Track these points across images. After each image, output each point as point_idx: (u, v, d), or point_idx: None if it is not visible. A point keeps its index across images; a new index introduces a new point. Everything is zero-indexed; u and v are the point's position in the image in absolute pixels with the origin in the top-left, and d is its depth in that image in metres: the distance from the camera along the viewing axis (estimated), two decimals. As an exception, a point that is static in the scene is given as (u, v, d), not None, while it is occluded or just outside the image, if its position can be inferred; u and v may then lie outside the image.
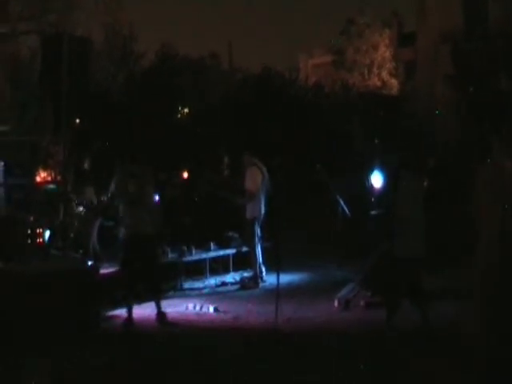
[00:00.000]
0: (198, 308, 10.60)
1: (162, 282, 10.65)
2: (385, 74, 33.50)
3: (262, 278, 12.58)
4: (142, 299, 10.45)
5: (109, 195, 10.30)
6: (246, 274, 13.00)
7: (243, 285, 12.50)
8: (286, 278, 12.78)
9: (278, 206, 12.78)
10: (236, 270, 13.67)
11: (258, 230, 12.52)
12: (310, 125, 21.79)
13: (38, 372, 7.16)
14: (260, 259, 12.54)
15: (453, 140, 22.59)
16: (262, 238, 12.69)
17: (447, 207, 13.44)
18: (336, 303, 10.60)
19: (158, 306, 9.99)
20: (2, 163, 12.83)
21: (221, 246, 13.75)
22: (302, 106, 23.35)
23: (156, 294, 10.12)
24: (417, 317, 8.68)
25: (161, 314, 9.96)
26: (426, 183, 9.03)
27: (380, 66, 33.61)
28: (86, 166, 14.04)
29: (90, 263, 10.87)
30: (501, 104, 19.77)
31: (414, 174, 8.93)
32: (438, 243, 11.17)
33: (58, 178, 12.85)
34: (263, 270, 12.64)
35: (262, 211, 12.53)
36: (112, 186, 10.05)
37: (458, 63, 25.91)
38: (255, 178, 12.35)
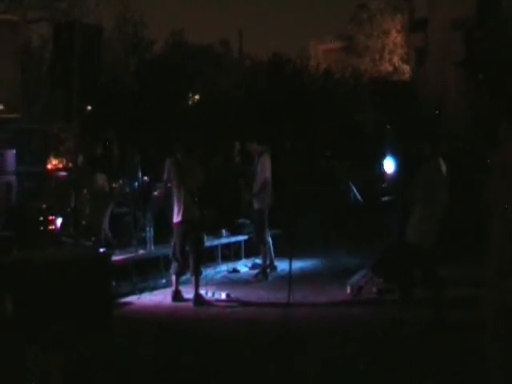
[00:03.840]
0: (210, 294, 10.63)
1: (201, 265, 10.82)
2: (396, 60, 33.37)
3: (274, 267, 12.49)
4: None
5: (164, 181, 10.71)
6: (257, 261, 12.98)
7: (256, 278, 12.38)
8: (298, 265, 12.80)
9: (291, 193, 12.78)
10: (247, 256, 13.67)
11: (267, 220, 12.38)
12: (321, 111, 21.73)
13: (50, 358, 7.19)
14: (272, 248, 12.44)
15: (464, 126, 22.54)
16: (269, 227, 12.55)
17: (460, 194, 13.41)
18: (348, 289, 10.60)
19: (196, 288, 10.33)
20: (14, 151, 12.85)
21: (232, 233, 13.76)
22: (313, 92, 23.29)
23: (195, 274, 10.39)
24: (430, 304, 8.68)
25: (197, 296, 10.28)
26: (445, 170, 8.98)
27: (391, 52, 33.48)
28: (97, 153, 13.98)
29: (101, 250, 10.91)
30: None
31: (439, 161, 8.91)
32: (452, 230, 11.16)
33: (69, 165, 12.84)
34: (273, 258, 12.51)
35: (270, 201, 12.38)
36: (165, 174, 10.56)
37: (470, 50, 25.83)
38: (268, 167, 12.24)
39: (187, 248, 10.47)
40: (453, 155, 16.38)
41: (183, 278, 10.83)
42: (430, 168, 8.81)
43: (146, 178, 12.98)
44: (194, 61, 24.94)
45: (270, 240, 12.43)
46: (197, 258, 10.43)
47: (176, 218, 10.42)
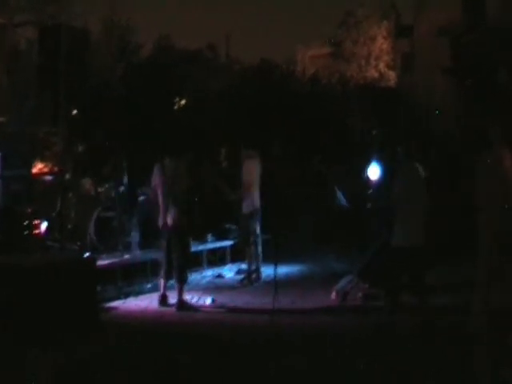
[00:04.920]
0: (195, 300, 10.60)
1: (186, 270, 10.71)
2: (382, 66, 33.44)
3: (259, 276, 12.43)
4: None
5: (152, 186, 10.66)
6: (243, 266, 12.96)
7: (241, 284, 12.40)
8: (284, 270, 12.77)
9: (277, 198, 12.77)
10: (233, 261, 13.66)
11: (255, 225, 12.37)
12: (309, 116, 21.75)
13: (37, 364, 7.16)
14: (260, 255, 12.42)
15: (452, 131, 22.61)
16: (261, 233, 12.52)
17: (449, 196, 13.46)
18: (334, 295, 10.60)
19: (179, 294, 10.27)
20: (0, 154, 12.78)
21: (218, 238, 13.74)
22: (300, 97, 23.31)
23: (179, 282, 10.29)
24: (417, 309, 8.69)
25: (180, 302, 10.21)
26: (425, 173, 9.07)
27: (377, 58, 33.55)
28: (84, 157, 13.99)
29: (87, 255, 10.89)
30: (499, 96, 19.79)
31: (413, 163, 8.98)
32: (440, 233, 11.18)
33: (55, 169, 12.83)
34: (260, 265, 12.48)
35: (259, 205, 12.36)
36: (152, 180, 10.56)
37: (456, 55, 25.91)
38: (251, 171, 12.24)
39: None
40: (451, 156, 16.48)
41: (171, 282, 10.82)
42: (404, 170, 8.92)
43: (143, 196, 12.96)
44: (182, 65, 24.91)
45: (259, 248, 12.38)
46: (179, 265, 10.36)
47: (160, 222, 10.43)
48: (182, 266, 10.39)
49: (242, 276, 12.57)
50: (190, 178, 10.62)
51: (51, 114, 10.58)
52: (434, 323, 8.48)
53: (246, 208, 12.22)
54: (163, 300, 10.42)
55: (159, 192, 10.39)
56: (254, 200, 12.18)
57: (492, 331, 5.57)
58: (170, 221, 10.29)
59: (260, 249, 12.31)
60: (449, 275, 11.43)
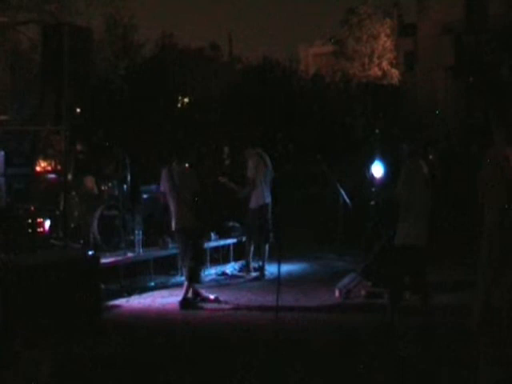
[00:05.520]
0: (198, 298, 10.60)
1: (198, 271, 10.72)
2: (385, 64, 33.43)
3: (263, 273, 12.46)
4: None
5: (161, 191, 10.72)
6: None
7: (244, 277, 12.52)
8: (287, 268, 12.80)
9: (280, 197, 12.80)
10: (237, 259, 13.67)
11: (263, 221, 12.46)
12: (311, 115, 21.78)
13: (40, 362, 7.17)
14: (266, 253, 12.46)
15: (452, 130, 22.63)
16: (269, 230, 12.56)
17: (448, 196, 13.46)
18: (337, 293, 10.61)
19: (185, 293, 10.31)
20: (2, 153, 12.80)
21: (221, 236, 13.76)
22: (303, 96, 23.35)
23: (188, 281, 10.36)
24: (419, 309, 8.70)
25: (184, 300, 10.23)
26: (427, 171, 9.06)
27: (380, 56, 33.54)
28: (87, 155, 13.99)
29: (90, 253, 10.88)
30: (502, 95, 19.80)
31: (418, 161, 8.97)
32: (440, 232, 11.18)
33: (59, 167, 12.83)
34: (264, 262, 12.52)
35: (267, 200, 12.45)
36: (161, 184, 10.65)
37: (459, 54, 25.96)
38: (256, 167, 12.32)
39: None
40: (451, 156, 16.48)
41: (177, 279, 10.82)
42: (408, 168, 8.90)
43: None
44: (184, 63, 24.95)
45: (267, 245, 12.45)
46: (192, 265, 10.37)
47: (173, 226, 10.48)
48: (194, 267, 10.41)
49: (241, 274, 12.69)
50: (196, 179, 10.62)
51: (53, 113, 10.58)
52: (435, 323, 8.48)
53: (253, 203, 12.31)
54: (186, 303, 10.32)
55: (169, 196, 10.43)
56: (260, 196, 12.28)
57: (492, 331, 5.56)
58: (181, 224, 10.33)
59: (267, 246, 12.38)
60: (449, 275, 11.44)
